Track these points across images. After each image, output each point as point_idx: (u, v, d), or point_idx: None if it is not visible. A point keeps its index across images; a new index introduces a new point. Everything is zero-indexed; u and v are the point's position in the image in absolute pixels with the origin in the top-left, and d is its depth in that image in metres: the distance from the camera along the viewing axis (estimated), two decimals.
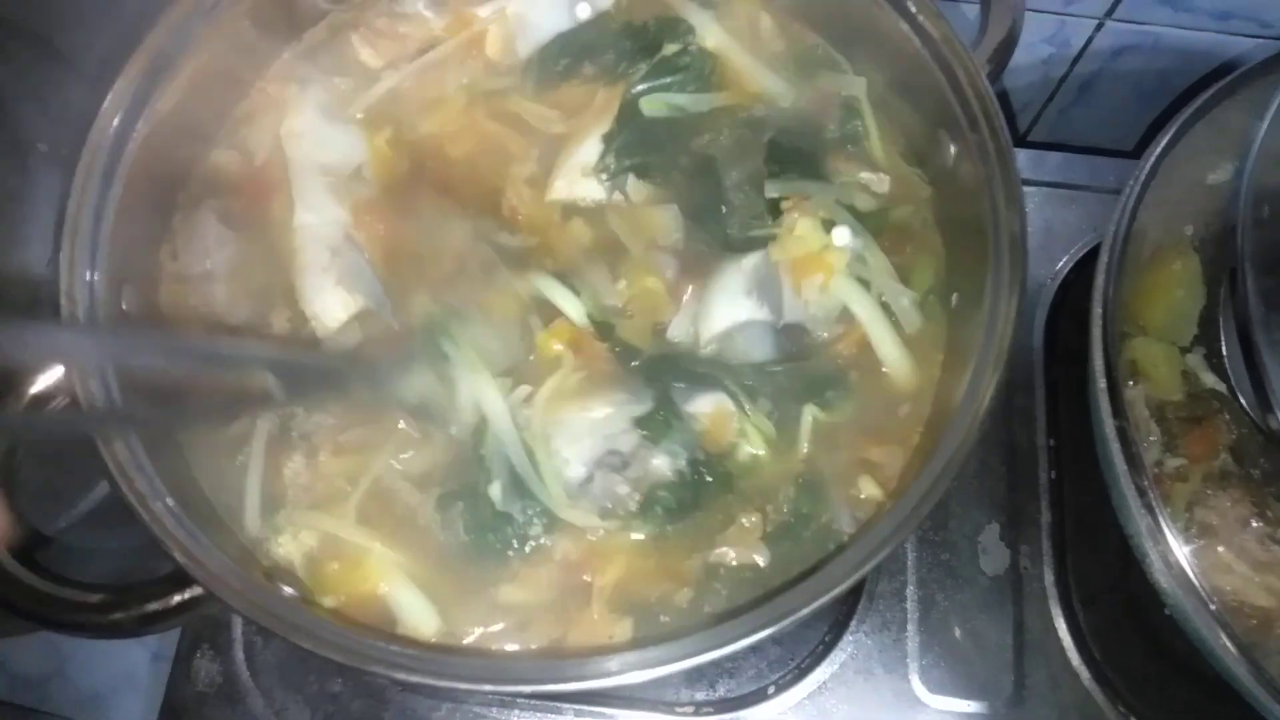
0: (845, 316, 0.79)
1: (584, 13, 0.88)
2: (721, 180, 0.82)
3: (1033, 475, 1.02)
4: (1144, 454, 0.81)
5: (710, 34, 0.87)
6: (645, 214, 0.83)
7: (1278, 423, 0.80)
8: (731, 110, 0.86)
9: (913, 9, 0.75)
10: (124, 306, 0.73)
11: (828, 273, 0.78)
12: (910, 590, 0.98)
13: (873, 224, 0.81)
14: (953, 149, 0.76)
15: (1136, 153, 1.28)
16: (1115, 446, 0.78)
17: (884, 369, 0.78)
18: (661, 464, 0.74)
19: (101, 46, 0.93)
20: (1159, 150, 0.90)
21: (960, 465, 0.64)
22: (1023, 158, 1.18)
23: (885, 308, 0.79)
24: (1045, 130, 1.32)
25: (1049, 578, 0.98)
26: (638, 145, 0.84)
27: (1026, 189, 1.14)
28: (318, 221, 0.79)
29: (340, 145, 0.83)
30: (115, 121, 0.74)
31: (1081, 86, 1.25)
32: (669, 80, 0.85)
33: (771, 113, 0.86)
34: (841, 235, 0.79)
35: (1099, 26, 1.16)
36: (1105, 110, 1.28)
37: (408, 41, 0.87)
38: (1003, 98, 0.99)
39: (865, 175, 0.84)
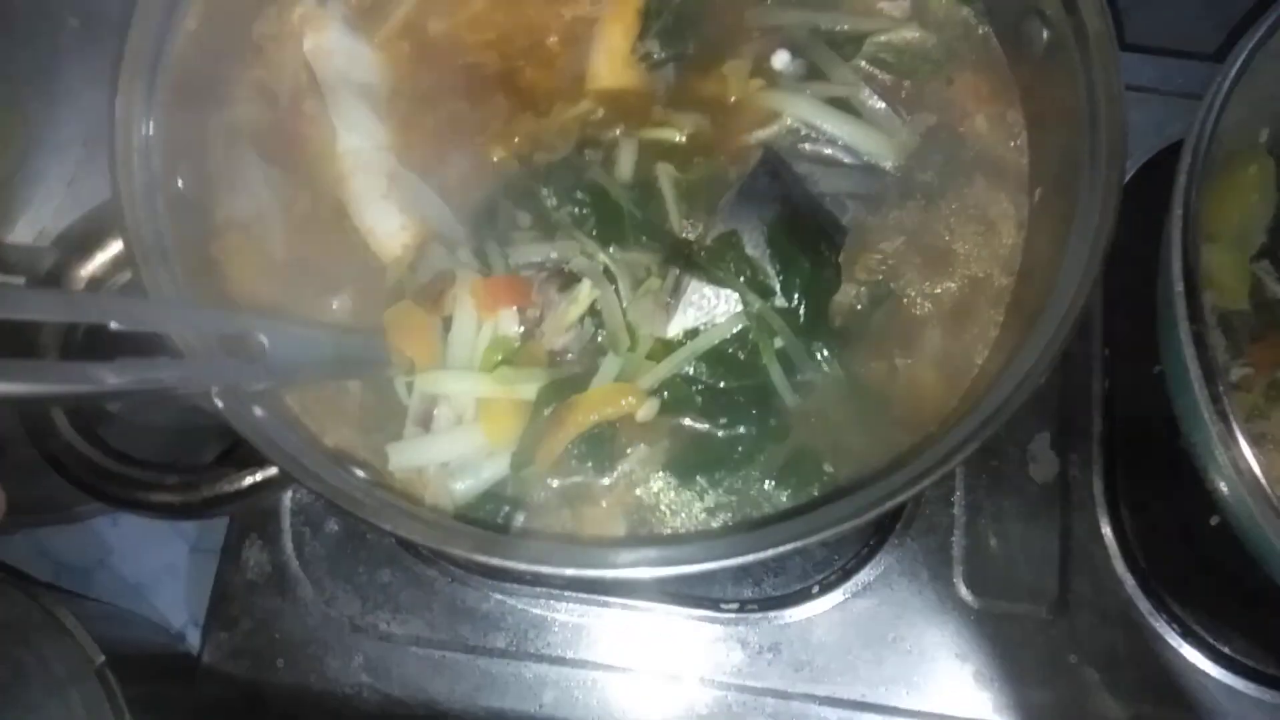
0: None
1: None
2: None
3: (1085, 385, 1.01)
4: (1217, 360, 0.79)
5: None
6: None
7: None
8: None
9: None
10: (180, 185, 0.70)
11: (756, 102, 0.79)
12: (957, 496, 0.97)
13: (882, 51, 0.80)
14: (1045, 35, 0.72)
15: (1203, 55, 1.24)
16: (1190, 352, 0.76)
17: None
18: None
19: None
20: (1246, 51, 0.86)
21: (1051, 362, 0.62)
22: None
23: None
24: None
25: (1097, 486, 0.98)
26: (677, 30, 0.81)
27: None
28: (365, 145, 0.76)
29: (373, 61, 0.79)
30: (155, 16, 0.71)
31: None
32: None
33: None
34: (780, 59, 0.80)
35: None
36: (1169, 7, 1.22)
37: None
38: None
39: (883, 4, 0.82)
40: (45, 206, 0.94)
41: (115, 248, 0.66)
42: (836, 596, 0.95)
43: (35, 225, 0.93)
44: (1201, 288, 0.88)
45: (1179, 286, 0.77)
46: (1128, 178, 1.07)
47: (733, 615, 0.94)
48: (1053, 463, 0.99)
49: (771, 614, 0.95)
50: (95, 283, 0.65)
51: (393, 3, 0.82)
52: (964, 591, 0.96)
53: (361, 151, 0.77)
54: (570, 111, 0.78)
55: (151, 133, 0.69)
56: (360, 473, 0.66)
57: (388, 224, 0.75)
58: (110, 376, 0.44)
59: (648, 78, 0.80)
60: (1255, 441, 0.86)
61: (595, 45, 0.80)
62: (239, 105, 0.79)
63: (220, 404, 0.57)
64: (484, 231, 0.75)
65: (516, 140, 0.78)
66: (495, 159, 0.78)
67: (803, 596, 0.95)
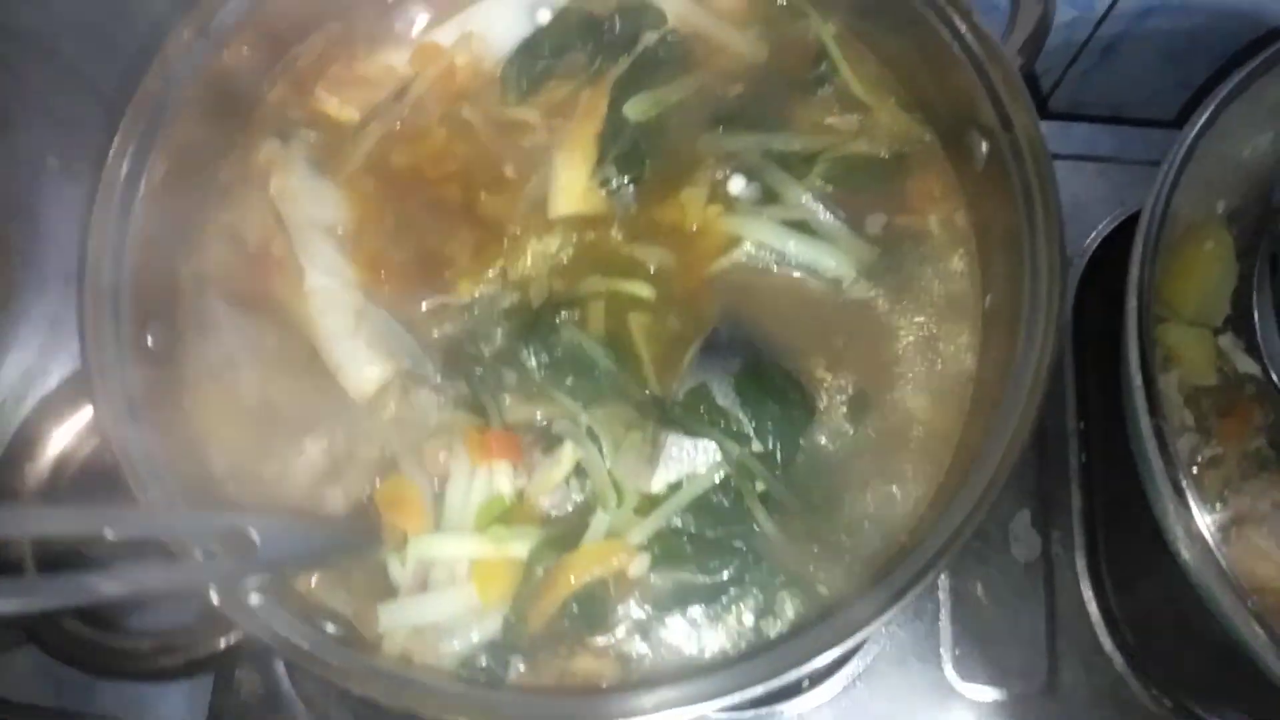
0: None
1: (544, 16, 0.86)
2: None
3: (1063, 460, 1.01)
4: (1178, 448, 0.80)
5: (675, 10, 0.86)
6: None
7: None
8: (707, 86, 0.85)
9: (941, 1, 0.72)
10: (149, 343, 0.72)
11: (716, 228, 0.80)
12: (943, 580, 0.98)
13: (829, 169, 0.81)
14: (984, 147, 0.74)
15: (1161, 119, 1.26)
16: (1151, 444, 0.77)
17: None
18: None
19: (113, 57, 0.91)
20: (1196, 128, 0.87)
21: (1002, 485, 0.63)
22: (1047, 130, 1.12)
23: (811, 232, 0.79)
24: (1066, 94, 1.29)
25: (1081, 563, 0.98)
26: (634, 155, 0.83)
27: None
28: (333, 284, 0.77)
29: (338, 199, 0.81)
30: (124, 169, 0.74)
31: (1105, 49, 1.21)
32: (653, 74, 0.84)
33: (743, 75, 0.85)
34: (736, 184, 0.81)
35: None
36: (1129, 73, 1.24)
37: (372, 84, 0.85)
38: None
39: (831, 120, 0.84)
40: (30, 345, 0.96)
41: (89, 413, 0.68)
42: (827, 690, 0.95)
43: (20, 365, 0.95)
44: (1166, 368, 0.89)
45: (1137, 380, 0.78)
46: (1093, 248, 1.10)
47: (724, 717, 0.94)
48: (1035, 541, 0.99)
49: (763, 711, 0.95)
50: (73, 449, 0.67)
51: (355, 140, 0.84)
52: (953, 677, 0.96)
53: (329, 290, 0.78)
54: (536, 246, 0.80)
55: (121, 292, 0.71)
56: (331, 626, 0.67)
57: (356, 360, 0.77)
58: (105, 585, 0.46)
59: (608, 203, 0.82)
60: (1234, 519, 0.87)
61: (555, 173, 0.82)
62: (207, 252, 0.81)
63: (218, 601, 0.58)
64: (473, 383, 0.77)
65: (485, 273, 0.80)
66: (462, 294, 0.79)
67: (793, 692, 0.95)
